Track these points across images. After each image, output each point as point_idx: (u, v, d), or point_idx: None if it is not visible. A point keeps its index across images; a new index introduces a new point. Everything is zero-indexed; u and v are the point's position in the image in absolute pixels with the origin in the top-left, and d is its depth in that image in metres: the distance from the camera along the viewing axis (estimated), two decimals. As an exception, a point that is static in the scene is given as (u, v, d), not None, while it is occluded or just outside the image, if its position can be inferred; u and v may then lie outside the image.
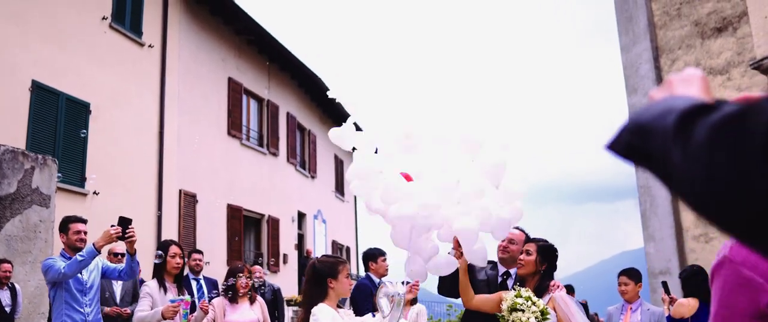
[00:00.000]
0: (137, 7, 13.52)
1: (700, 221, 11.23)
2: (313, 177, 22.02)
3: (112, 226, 4.92)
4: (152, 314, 5.09)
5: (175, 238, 12.93)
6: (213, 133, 16.04)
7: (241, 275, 5.88)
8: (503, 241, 4.62)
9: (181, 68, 14.68)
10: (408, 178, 4.43)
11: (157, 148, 13.88)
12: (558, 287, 3.99)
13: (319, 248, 22.03)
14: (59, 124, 11.56)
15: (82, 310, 5.13)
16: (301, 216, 20.90)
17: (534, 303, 3.77)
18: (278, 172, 19.18)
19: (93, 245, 4.93)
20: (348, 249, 25.15)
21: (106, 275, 5.47)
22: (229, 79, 16.73)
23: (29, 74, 11.08)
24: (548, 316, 3.79)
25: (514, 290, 3.91)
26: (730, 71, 10.57)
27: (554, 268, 4.25)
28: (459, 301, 4.32)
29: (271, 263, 17.66)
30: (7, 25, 10.78)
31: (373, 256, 6.87)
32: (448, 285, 4.46)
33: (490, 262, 4.63)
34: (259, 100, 18.42)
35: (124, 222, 4.97)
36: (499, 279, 4.62)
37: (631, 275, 6.18)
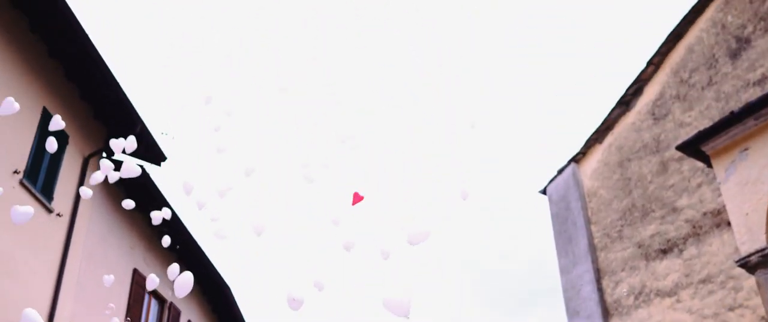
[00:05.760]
0: (53, 171, 12.37)
1: None
2: None
3: None
4: None
5: None
6: (106, 328, 14.16)
7: None
8: None
9: (86, 246, 13.24)
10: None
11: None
12: None
13: None
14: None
15: None
16: None
17: None
18: (169, 386, 16.92)
19: None
20: None
21: None
22: (135, 271, 15.21)
23: None
24: None
25: None
26: (678, 293, 10.31)
27: None
28: None
29: None
30: None
31: None
32: None
33: None
34: (162, 301, 16.75)
35: None
36: None
37: None
